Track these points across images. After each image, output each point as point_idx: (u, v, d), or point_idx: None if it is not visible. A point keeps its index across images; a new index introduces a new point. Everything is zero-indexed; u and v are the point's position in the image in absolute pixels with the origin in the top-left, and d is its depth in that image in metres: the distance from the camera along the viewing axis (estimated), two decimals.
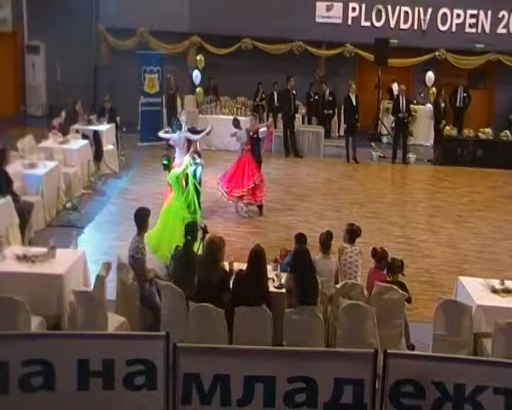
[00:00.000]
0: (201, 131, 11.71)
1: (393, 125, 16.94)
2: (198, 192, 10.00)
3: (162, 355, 4.90)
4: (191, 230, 7.22)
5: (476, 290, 7.01)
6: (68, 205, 10.70)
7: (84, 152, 12.64)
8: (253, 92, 18.05)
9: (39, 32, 18.49)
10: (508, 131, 16.23)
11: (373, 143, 16.72)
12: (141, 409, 4.98)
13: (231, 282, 6.55)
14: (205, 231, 8.10)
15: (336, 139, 17.88)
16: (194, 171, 10.18)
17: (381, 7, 18.12)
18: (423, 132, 17.88)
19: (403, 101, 16.05)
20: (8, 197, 9.00)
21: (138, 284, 6.96)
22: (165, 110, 16.67)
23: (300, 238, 7.31)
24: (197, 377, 4.89)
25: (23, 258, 7.08)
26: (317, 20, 18.28)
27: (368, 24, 18.22)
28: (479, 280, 7.29)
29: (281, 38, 18.11)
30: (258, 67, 17.98)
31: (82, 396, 4.93)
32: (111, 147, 14.00)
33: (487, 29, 18.05)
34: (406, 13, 18.15)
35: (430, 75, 17.27)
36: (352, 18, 18.27)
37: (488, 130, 16.24)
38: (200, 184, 10.50)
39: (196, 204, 9.30)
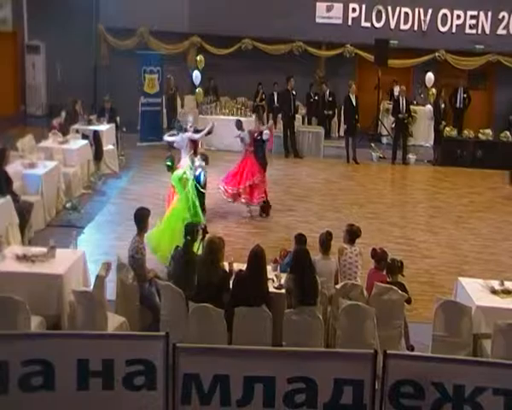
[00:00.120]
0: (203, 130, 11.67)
1: (393, 125, 16.94)
2: (201, 195, 9.97)
3: (162, 355, 4.90)
4: (191, 230, 7.22)
5: (476, 291, 7.02)
6: (68, 205, 10.70)
7: (84, 152, 12.64)
8: (252, 93, 18.05)
9: (39, 31, 18.49)
10: (508, 132, 16.24)
11: (373, 144, 16.73)
12: (140, 409, 4.98)
13: (231, 282, 6.55)
14: (204, 231, 8.11)
15: (336, 140, 17.88)
16: (198, 175, 10.17)
17: (381, 7, 18.13)
18: (423, 133, 17.88)
19: (403, 101, 16.06)
20: (8, 197, 9.00)
21: (138, 284, 6.96)
22: (165, 110, 16.67)
23: (300, 239, 7.31)
24: (197, 378, 4.89)
25: (23, 258, 7.08)
26: (317, 20, 18.29)
27: (368, 24, 18.23)
28: (478, 281, 7.29)
29: (281, 38, 18.11)
30: (259, 68, 17.98)
31: (82, 396, 4.93)
32: (111, 147, 14.00)
33: (487, 30, 18.06)
34: (406, 14, 18.16)
35: (430, 76, 17.29)
36: (353, 18, 18.28)
37: (488, 131, 16.25)
38: (204, 187, 10.44)
39: (198, 207, 9.25)
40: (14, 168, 10.04)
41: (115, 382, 4.93)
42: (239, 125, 11.47)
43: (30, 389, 4.88)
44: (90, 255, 7.96)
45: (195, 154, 10.70)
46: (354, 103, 16.02)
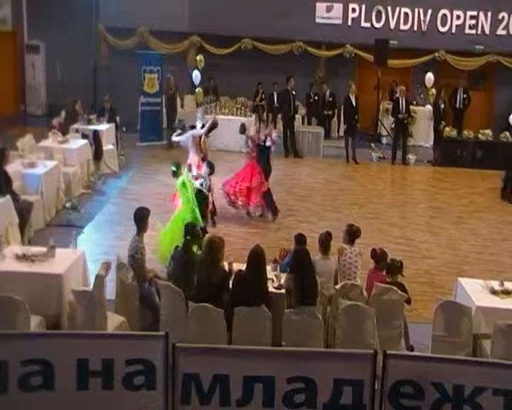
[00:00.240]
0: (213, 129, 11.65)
1: (393, 126, 16.95)
2: (202, 200, 9.87)
3: (161, 355, 4.90)
4: (191, 230, 7.22)
5: (476, 292, 7.02)
6: (68, 205, 10.70)
7: (84, 152, 12.64)
8: (252, 92, 18.04)
9: (39, 31, 18.49)
10: (507, 133, 16.24)
11: (373, 144, 16.72)
12: (140, 409, 4.98)
13: (231, 282, 6.55)
14: (204, 231, 8.12)
15: (336, 140, 17.88)
16: (200, 184, 10.13)
17: (381, 8, 18.13)
18: (423, 133, 17.89)
19: (402, 102, 16.06)
20: (8, 197, 8.99)
21: (138, 283, 6.96)
22: (164, 110, 16.67)
23: (300, 239, 7.31)
24: (196, 378, 4.89)
25: (22, 257, 7.08)
26: (317, 20, 18.28)
27: (368, 25, 18.23)
28: (478, 281, 7.29)
29: (281, 38, 18.11)
30: (258, 68, 17.98)
31: (81, 396, 4.92)
32: (111, 147, 14.00)
33: (487, 30, 18.06)
34: (406, 14, 18.16)
35: (430, 76, 17.28)
36: (352, 19, 18.28)
37: (488, 131, 16.25)
38: (208, 190, 10.31)
39: (197, 213, 9.20)
40: (13, 168, 10.03)
41: (115, 382, 4.92)
42: (242, 129, 11.44)
43: (29, 389, 4.87)
44: (89, 255, 7.96)
45: (203, 160, 10.73)
46: (354, 103, 16.03)
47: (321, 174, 14.78)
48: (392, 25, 18.22)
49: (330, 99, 17.85)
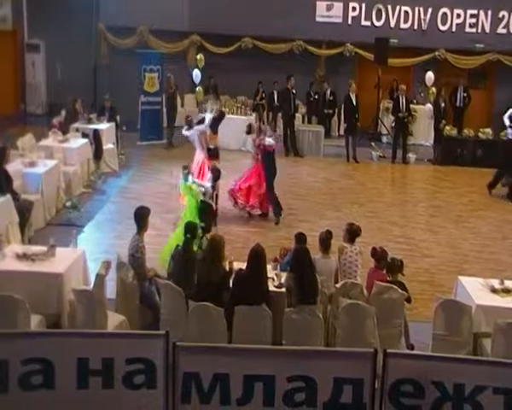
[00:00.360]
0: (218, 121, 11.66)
1: (393, 124, 16.95)
2: (205, 207, 9.38)
3: (162, 354, 4.90)
4: (191, 228, 7.21)
5: (476, 290, 7.02)
6: (68, 204, 10.70)
7: (84, 151, 12.64)
8: (253, 91, 18.04)
9: (39, 30, 18.49)
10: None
11: (373, 143, 16.72)
12: (140, 408, 4.98)
13: (231, 281, 6.55)
14: (204, 231, 8.12)
15: (336, 139, 17.88)
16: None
17: (381, 6, 18.13)
18: (423, 132, 17.88)
19: (403, 100, 16.06)
20: (8, 196, 9.00)
21: (138, 282, 6.96)
22: (165, 109, 16.67)
23: (300, 238, 7.31)
24: (197, 377, 4.89)
25: (23, 256, 7.08)
26: (318, 19, 18.29)
27: (368, 23, 18.22)
28: (478, 280, 7.29)
29: (281, 37, 18.11)
30: (259, 67, 17.98)
31: (81, 395, 4.92)
32: (111, 146, 14.00)
33: (487, 29, 18.06)
34: (406, 12, 18.16)
35: (430, 75, 17.28)
36: (353, 17, 18.28)
37: (488, 130, 16.24)
38: (213, 196, 10.01)
39: (195, 217, 9.14)
40: (14, 167, 10.03)
41: (115, 381, 4.93)
42: (248, 130, 11.44)
43: (30, 388, 4.88)
44: (90, 254, 7.96)
45: (210, 158, 10.76)
46: (354, 102, 16.02)
47: (321, 173, 14.78)
48: (393, 23, 18.22)
49: (331, 98, 17.86)
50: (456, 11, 18.03)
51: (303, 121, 18.03)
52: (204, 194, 9.38)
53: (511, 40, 17.91)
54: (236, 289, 6.38)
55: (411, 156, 16.18)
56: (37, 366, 4.86)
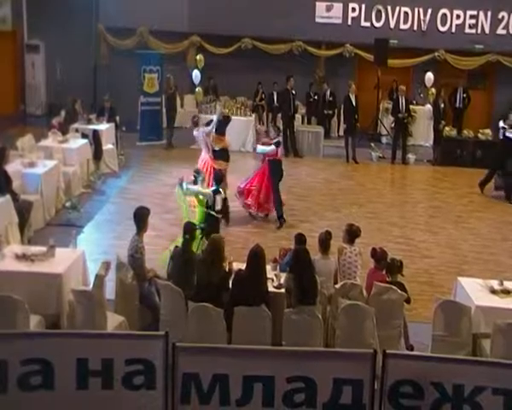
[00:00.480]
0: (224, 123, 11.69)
1: (393, 125, 16.95)
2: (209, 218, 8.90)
3: (161, 355, 4.90)
4: (189, 229, 7.21)
5: (475, 291, 7.02)
6: (68, 204, 10.70)
7: (84, 151, 12.63)
8: (252, 92, 18.04)
9: (39, 31, 18.49)
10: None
11: (372, 144, 16.72)
12: (140, 409, 4.98)
13: (230, 282, 6.55)
14: (203, 230, 8.10)
15: (336, 139, 17.88)
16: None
17: (380, 7, 18.14)
18: (423, 133, 17.90)
19: (402, 101, 16.06)
20: (8, 196, 8.99)
21: (137, 283, 6.95)
22: (164, 110, 16.67)
23: (300, 238, 7.31)
24: (196, 377, 4.89)
25: (22, 257, 7.08)
26: (317, 20, 18.29)
27: (368, 24, 18.23)
28: (478, 281, 7.29)
29: (281, 37, 18.11)
30: (258, 67, 17.98)
31: (81, 396, 4.92)
32: (110, 146, 13.99)
33: (487, 30, 18.07)
34: (406, 13, 18.17)
35: (430, 76, 17.30)
36: (352, 18, 18.29)
37: (488, 131, 16.25)
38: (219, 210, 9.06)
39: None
40: (13, 167, 10.03)
41: (114, 381, 4.93)
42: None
43: (29, 389, 4.87)
44: (89, 255, 7.95)
45: (215, 159, 10.79)
46: (354, 103, 16.01)
47: (321, 174, 14.78)
48: (392, 24, 18.23)
49: (331, 98, 17.87)
50: (456, 12, 18.04)
51: (302, 122, 18.03)
52: (207, 202, 8.90)
53: (511, 41, 17.92)
54: (236, 290, 6.38)
55: (411, 157, 16.18)
56: (36, 367, 4.86)
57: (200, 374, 4.89)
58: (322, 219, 11.34)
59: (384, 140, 17.78)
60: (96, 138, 13.23)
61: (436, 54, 18.20)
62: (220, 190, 9.03)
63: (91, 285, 6.72)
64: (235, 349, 5.30)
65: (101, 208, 11.48)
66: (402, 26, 18.20)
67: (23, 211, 9.29)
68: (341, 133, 17.80)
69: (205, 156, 11.34)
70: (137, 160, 14.90)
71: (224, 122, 11.77)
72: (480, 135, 16.20)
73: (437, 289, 8.52)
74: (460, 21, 18.09)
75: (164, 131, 16.55)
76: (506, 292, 6.99)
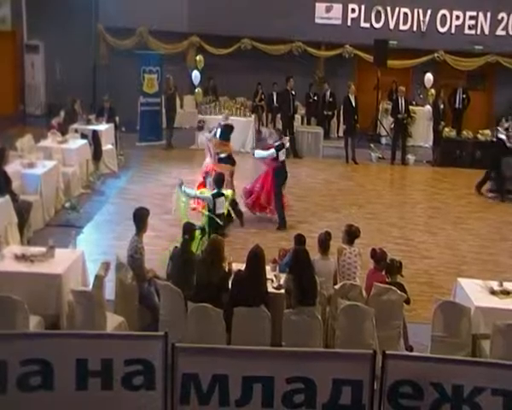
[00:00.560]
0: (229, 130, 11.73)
1: (392, 126, 16.95)
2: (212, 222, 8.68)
3: (161, 355, 4.89)
4: (188, 229, 7.20)
5: (475, 292, 7.02)
6: (67, 205, 10.70)
7: (83, 152, 12.63)
8: (252, 93, 18.06)
9: (39, 31, 18.49)
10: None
11: (372, 144, 16.74)
12: (139, 409, 4.98)
13: (230, 282, 6.54)
14: (203, 230, 8.10)
15: (335, 140, 17.89)
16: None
17: (380, 8, 18.15)
18: (422, 134, 17.91)
19: (402, 102, 16.07)
20: (7, 197, 8.99)
21: (137, 283, 6.95)
22: (164, 110, 16.67)
23: (299, 239, 7.32)
24: (196, 378, 4.88)
25: (22, 257, 7.07)
26: (317, 20, 18.30)
27: (367, 25, 18.25)
28: (477, 282, 7.29)
29: (280, 38, 18.13)
30: (258, 68, 17.98)
31: (80, 396, 4.92)
32: (110, 147, 13.99)
33: (486, 31, 18.09)
34: (405, 14, 18.18)
35: (429, 76, 17.31)
36: (352, 19, 18.30)
37: (487, 131, 16.25)
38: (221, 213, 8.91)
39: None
40: (13, 168, 10.03)
41: (114, 382, 4.92)
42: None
43: (28, 389, 4.87)
44: (88, 255, 7.95)
45: (219, 160, 10.89)
46: (353, 104, 16.02)
47: (320, 174, 14.79)
48: (392, 25, 18.24)
49: (331, 99, 17.88)
50: (456, 13, 18.06)
51: (302, 122, 18.04)
52: (208, 205, 8.83)
53: (510, 42, 17.93)
54: (235, 291, 6.38)
55: (410, 158, 16.19)
56: (35, 367, 4.85)
57: (199, 375, 4.88)
58: (322, 219, 11.35)
59: (383, 141, 17.80)
60: (95, 139, 13.23)
61: (436, 55, 18.22)
62: (223, 193, 8.90)
63: (91, 286, 6.72)
64: (235, 350, 5.29)
65: (100, 209, 11.47)
66: (401, 27, 18.22)
67: (22, 211, 9.29)
68: (341, 134, 17.81)
69: (208, 162, 11.35)
70: (137, 160, 14.90)
71: (228, 129, 11.79)
72: (479, 136, 16.20)
73: (436, 290, 8.52)
74: (459, 22, 18.11)
75: (163, 132, 16.55)
76: (505, 293, 6.99)
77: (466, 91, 17.80)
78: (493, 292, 7.00)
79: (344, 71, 18.47)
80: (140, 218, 7.22)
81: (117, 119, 14.85)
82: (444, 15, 18.10)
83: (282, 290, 6.63)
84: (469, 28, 18.10)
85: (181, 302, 6.44)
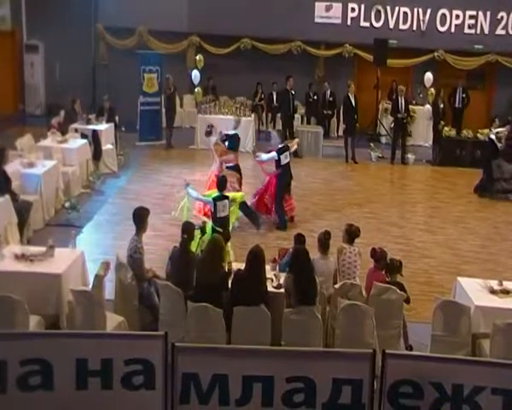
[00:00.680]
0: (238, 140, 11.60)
1: (392, 125, 16.96)
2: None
3: (160, 355, 4.89)
4: (188, 228, 7.19)
5: (474, 291, 7.03)
6: (67, 204, 10.70)
7: (83, 151, 12.63)
8: (252, 92, 18.05)
9: (38, 31, 18.49)
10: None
11: (372, 144, 16.73)
12: (139, 409, 4.98)
13: (230, 282, 6.55)
14: (203, 230, 8.09)
15: (335, 139, 17.89)
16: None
17: (380, 7, 18.14)
18: (422, 133, 17.91)
19: (402, 101, 16.07)
20: (7, 196, 9.00)
21: (137, 283, 6.96)
22: (164, 110, 16.67)
23: (299, 238, 7.33)
24: (195, 377, 4.88)
25: (21, 257, 7.08)
26: (317, 20, 18.29)
27: (367, 24, 18.24)
28: (477, 281, 7.30)
29: (280, 38, 18.11)
30: (258, 67, 17.98)
31: (80, 396, 4.92)
32: (110, 146, 13.99)
33: (486, 30, 18.08)
34: (405, 13, 18.17)
35: (429, 76, 17.31)
36: (351, 18, 18.29)
37: (487, 131, 16.21)
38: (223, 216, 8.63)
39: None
40: (13, 168, 10.03)
41: (114, 381, 4.92)
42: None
43: (28, 389, 4.87)
44: (88, 255, 7.95)
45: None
46: (353, 103, 16.02)
47: (320, 174, 14.79)
48: (392, 24, 18.23)
49: (330, 99, 17.88)
50: (455, 12, 18.05)
51: (302, 122, 18.05)
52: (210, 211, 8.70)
53: (510, 41, 17.93)
54: (235, 290, 6.38)
55: (410, 157, 16.19)
56: (35, 367, 4.85)
57: (199, 374, 4.88)
58: (322, 219, 11.35)
59: (383, 140, 17.80)
60: (95, 138, 13.23)
61: (435, 54, 18.21)
62: (226, 195, 8.73)
63: (91, 285, 6.73)
64: (235, 349, 5.30)
65: (100, 209, 11.47)
66: (401, 27, 18.20)
67: (22, 211, 9.29)
68: (341, 133, 17.80)
69: (213, 167, 11.23)
70: (137, 160, 14.90)
71: (237, 140, 11.66)
72: (479, 135, 16.17)
73: (436, 289, 8.51)
74: (459, 21, 18.11)
75: (163, 132, 16.55)
76: (505, 292, 7.00)
77: (466, 91, 17.80)
78: (493, 291, 7.01)
79: (344, 70, 18.46)
80: (140, 217, 7.21)
81: (117, 118, 14.85)
82: (443, 15, 18.09)
83: (282, 290, 6.63)
84: (469, 27, 18.10)
85: (181, 302, 6.44)
